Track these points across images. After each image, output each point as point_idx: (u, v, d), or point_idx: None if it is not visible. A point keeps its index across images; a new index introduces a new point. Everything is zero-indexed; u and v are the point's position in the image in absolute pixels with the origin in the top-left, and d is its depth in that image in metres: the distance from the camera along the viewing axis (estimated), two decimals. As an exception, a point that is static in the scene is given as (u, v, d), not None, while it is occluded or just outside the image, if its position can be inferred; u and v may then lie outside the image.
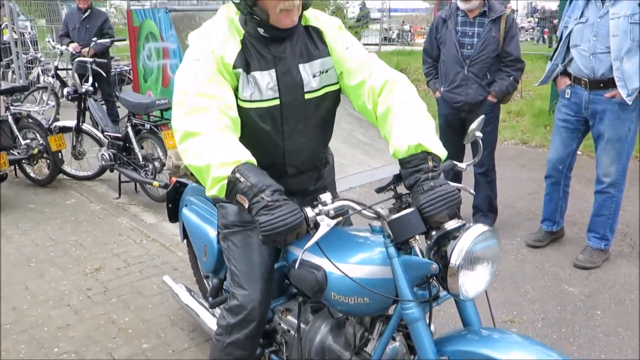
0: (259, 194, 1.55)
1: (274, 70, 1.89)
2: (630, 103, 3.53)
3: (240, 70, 1.85)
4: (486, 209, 4.41)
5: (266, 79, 1.88)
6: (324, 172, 2.22)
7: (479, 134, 1.96)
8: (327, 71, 1.97)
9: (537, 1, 24.89)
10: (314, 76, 1.95)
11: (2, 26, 9.34)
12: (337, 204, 1.63)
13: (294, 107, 1.93)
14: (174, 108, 1.78)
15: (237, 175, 1.58)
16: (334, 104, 2.06)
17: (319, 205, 1.60)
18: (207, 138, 1.66)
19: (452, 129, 4.28)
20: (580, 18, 3.66)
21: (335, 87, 2.01)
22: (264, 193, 1.54)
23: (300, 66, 1.93)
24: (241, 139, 1.77)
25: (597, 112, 3.69)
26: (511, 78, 4.07)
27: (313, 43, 1.97)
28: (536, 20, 22.38)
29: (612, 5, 3.50)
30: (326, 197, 1.62)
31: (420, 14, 22.78)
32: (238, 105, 1.85)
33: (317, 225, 1.57)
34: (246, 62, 1.86)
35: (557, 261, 3.95)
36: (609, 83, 3.57)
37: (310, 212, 1.57)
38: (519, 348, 1.54)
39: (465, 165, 1.99)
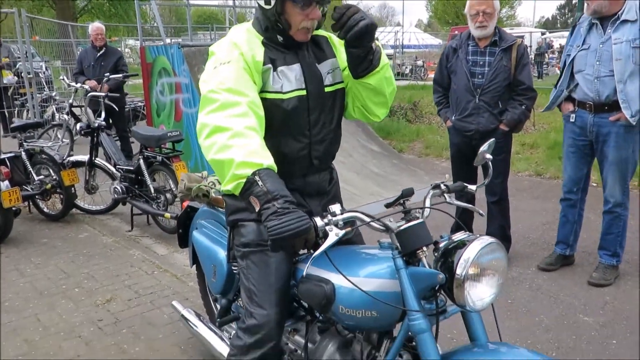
0: (272, 200, 1.58)
1: (298, 64, 2.04)
2: (634, 124, 3.65)
3: (270, 66, 1.99)
4: (500, 238, 4.35)
5: (294, 71, 2.03)
6: (334, 175, 2.31)
7: (488, 156, 1.98)
8: (334, 70, 2.14)
9: (552, 37, 25.14)
10: (328, 73, 2.11)
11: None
12: (346, 215, 1.65)
13: (317, 98, 2.08)
14: (202, 108, 1.85)
15: (257, 178, 1.63)
16: (342, 103, 2.21)
17: (329, 215, 1.61)
18: (236, 135, 1.72)
19: (464, 158, 4.28)
20: (582, 45, 3.81)
21: (343, 85, 2.18)
22: (276, 201, 1.58)
23: (316, 65, 2.09)
24: (272, 132, 1.92)
25: (602, 134, 3.80)
26: (523, 107, 4.08)
27: (321, 48, 2.14)
28: (548, 56, 22.62)
29: (614, 31, 3.64)
30: (336, 208, 1.64)
31: (433, 50, 23.05)
32: (268, 99, 1.97)
33: (326, 235, 1.58)
34: (272, 60, 2.00)
35: (572, 291, 3.90)
36: (613, 106, 3.69)
37: (319, 221, 1.59)
38: (526, 361, 1.52)
39: (476, 187, 2.01)
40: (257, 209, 1.61)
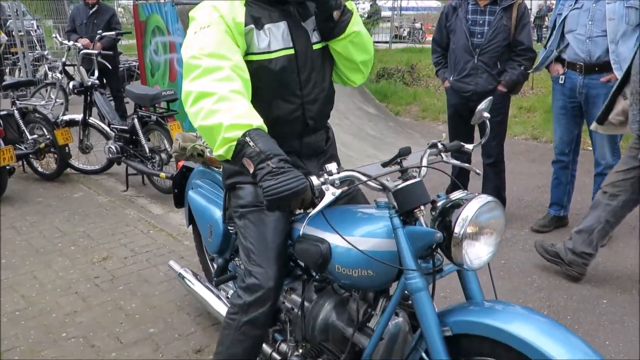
0: (266, 160, 1.56)
1: (285, 22, 1.99)
2: None
3: (252, 26, 1.93)
4: (494, 199, 4.40)
5: (281, 28, 1.98)
6: (330, 134, 2.29)
7: (486, 114, 1.96)
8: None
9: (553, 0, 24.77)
10: (314, 30, 2.06)
11: None
12: (343, 174, 1.63)
13: (306, 57, 2.03)
14: (185, 75, 1.82)
15: (247, 139, 1.60)
16: (331, 61, 2.16)
17: (325, 174, 1.60)
18: (222, 99, 1.69)
19: (461, 119, 4.26)
20: (575, 4, 3.76)
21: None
22: (270, 160, 1.56)
23: (302, 23, 2.04)
24: (262, 96, 1.89)
25: (591, 96, 3.80)
26: (522, 67, 4.05)
27: (304, 5, 2.08)
28: (548, 19, 22.27)
29: None
30: (332, 167, 1.62)
31: (432, 12, 22.71)
32: (255, 61, 1.93)
33: (322, 194, 1.57)
34: (255, 19, 1.94)
35: (564, 251, 3.94)
36: (604, 67, 3.68)
37: (315, 180, 1.57)
38: (521, 318, 1.53)
39: (472, 146, 2.01)
40: (251, 171, 1.59)
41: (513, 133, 7.37)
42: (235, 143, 1.62)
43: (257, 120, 1.67)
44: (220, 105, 1.67)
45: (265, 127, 1.68)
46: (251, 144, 1.59)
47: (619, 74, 3.55)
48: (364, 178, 1.68)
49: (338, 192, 1.57)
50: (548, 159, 4.71)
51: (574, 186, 4.28)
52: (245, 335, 2.03)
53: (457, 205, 1.57)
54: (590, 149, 4.29)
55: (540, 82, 9.70)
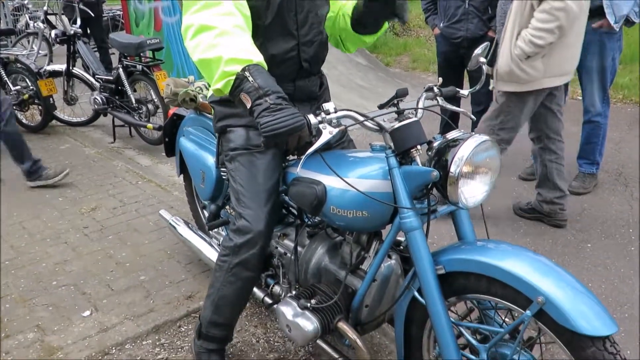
0: (264, 96, 1.55)
1: None
2: (617, 30, 3.64)
3: None
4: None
5: None
6: (324, 80, 2.27)
7: (482, 59, 1.94)
8: None
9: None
10: None
11: None
12: (340, 113, 1.62)
13: None
14: (185, 9, 1.80)
15: (247, 74, 1.59)
16: (328, 9, 2.15)
17: (322, 113, 1.59)
18: (223, 33, 1.67)
19: (451, 67, 4.24)
20: None
21: None
22: (268, 97, 1.54)
23: None
24: (259, 34, 1.86)
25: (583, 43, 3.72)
26: None
27: None
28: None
29: None
30: (329, 106, 1.61)
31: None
32: None
33: (319, 133, 1.56)
34: None
35: (551, 199, 3.99)
36: (595, 13, 3.62)
37: (313, 119, 1.56)
38: (512, 255, 1.55)
39: (468, 91, 2.00)
40: (248, 106, 1.58)
41: (502, 83, 7.35)
42: (234, 77, 1.60)
43: (257, 56, 1.65)
44: (220, 40, 1.65)
45: (265, 64, 1.66)
46: (250, 79, 1.57)
47: (611, 18, 3.55)
48: (361, 118, 1.67)
49: (335, 131, 1.56)
50: (536, 108, 4.70)
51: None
52: (236, 277, 2.04)
53: (454, 144, 1.57)
54: (579, 98, 4.30)
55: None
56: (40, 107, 5.66)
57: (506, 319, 1.72)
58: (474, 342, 1.67)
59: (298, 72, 2.07)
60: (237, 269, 2.03)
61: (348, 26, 2.13)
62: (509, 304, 1.54)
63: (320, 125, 1.56)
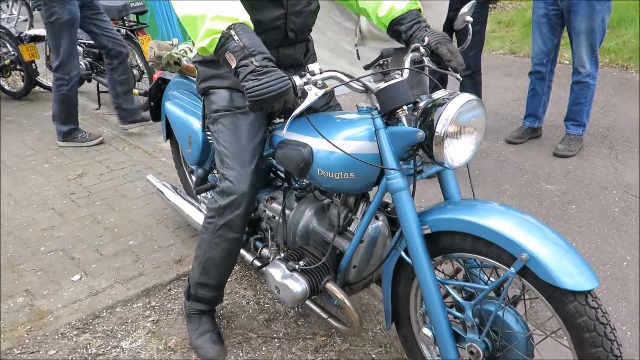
0: (249, 57, 1.52)
1: None
2: None
3: None
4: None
5: None
6: (310, 47, 2.22)
7: (469, 18, 1.92)
8: None
9: None
10: None
11: None
12: (326, 74, 1.60)
13: None
14: None
15: (232, 32, 1.55)
16: None
17: (307, 74, 1.57)
18: None
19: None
20: None
21: None
22: (254, 57, 1.52)
23: None
24: (247, 1, 1.76)
25: (573, 4, 3.79)
26: None
27: None
28: None
29: None
30: (314, 67, 1.59)
31: None
32: None
33: (304, 95, 1.55)
34: None
35: (537, 162, 4.03)
36: None
37: (298, 80, 1.54)
38: (498, 214, 1.57)
39: (461, 77, 1.98)
40: (233, 66, 1.55)
41: (491, 48, 7.34)
42: (219, 35, 1.56)
43: (243, 15, 1.61)
44: None
45: (251, 24, 1.62)
46: (235, 37, 1.54)
47: None
48: (346, 79, 1.65)
49: (321, 92, 1.55)
50: (525, 73, 4.72)
51: (550, 98, 4.32)
52: (222, 238, 2.05)
53: (440, 104, 1.57)
54: (567, 62, 4.31)
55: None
56: (22, 73, 5.57)
57: (491, 277, 1.76)
58: (459, 299, 1.70)
59: (283, 41, 2.03)
60: (222, 230, 2.03)
61: (374, 20, 2.08)
62: (493, 261, 1.56)
63: (306, 87, 1.55)
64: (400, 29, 1.95)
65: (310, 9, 2.06)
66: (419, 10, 1.97)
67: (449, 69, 1.82)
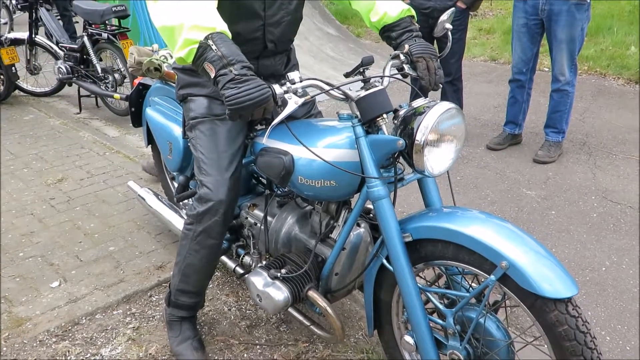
0: (228, 66, 1.51)
1: None
2: (587, 1, 3.73)
3: None
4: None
5: None
6: (292, 57, 2.22)
7: (448, 25, 1.94)
8: None
9: None
10: None
11: None
12: (306, 82, 1.60)
13: None
14: None
15: (210, 42, 1.53)
16: None
17: (287, 83, 1.57)
18: None
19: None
20: None
21: None
22: (233, 66, 1.51)
23: None
24: (223, 11, 1.73)
25: (553, 13, 3.85)
26: None
27: None
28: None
29: None
30: (294, 75, 1.59)
31: None
32: None
33: (285, 103, 1.55)
34: None
35: (517, 168, 4.07)
36: None
37: (278, 89, 1.54)
38: (478, 221, 1.58)
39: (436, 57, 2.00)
40: (212, 76, 1.54)
41: (472, 55, 7.41)
42: (197, 45, 1.55)
43: (221, 25, 1.60)
44: (183, 4, 1.59)
45: (229, 34, 1.60)
46: (213, 47, 1.52)
47: None
48: (326, 87, 1.66)
49: (301, 100, 1.56)
50: (505, 79, 4.76)
51: (529, 105, 4.37)
52: (201, 244, 2.04)
53: (419, 112, 1.58)
54: (547, 69, 4.36)
55: (499, 3, 9.67)
56: (2, 76, 5.50)
57: (473, 284, 1.77)
58: (440, 306, 1.70)
59: (262, 52, 2.03)
60: (201, 237, 2.03)
61: (367, 23, 2.10)
62: (474, 269, 1.57)
63: (286, 95, 1.55)
64: (392, 36, 1.99)
65: (290, 19, 2.05)
66: (412, 17, 2.00)
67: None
